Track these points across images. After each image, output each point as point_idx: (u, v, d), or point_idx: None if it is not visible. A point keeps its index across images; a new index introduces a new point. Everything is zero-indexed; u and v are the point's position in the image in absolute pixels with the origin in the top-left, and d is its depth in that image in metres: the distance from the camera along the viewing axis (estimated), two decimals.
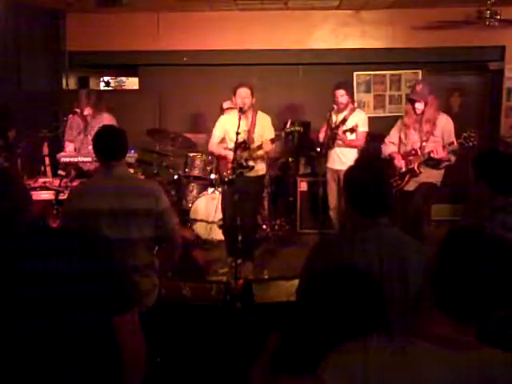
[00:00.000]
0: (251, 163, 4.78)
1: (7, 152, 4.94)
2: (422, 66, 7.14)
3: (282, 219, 6.50)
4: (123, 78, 8.23)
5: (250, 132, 4.80)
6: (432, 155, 4.61)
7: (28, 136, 5.18)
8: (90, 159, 4.64)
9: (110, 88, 8.00)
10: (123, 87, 8.13)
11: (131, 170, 4.34)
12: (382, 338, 1.26)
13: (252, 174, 4.82)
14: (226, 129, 4.91)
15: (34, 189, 4.69)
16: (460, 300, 1.20)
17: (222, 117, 5.09)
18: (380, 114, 7.15)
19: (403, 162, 4.82)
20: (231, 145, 4.83)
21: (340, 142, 5.23)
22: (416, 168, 4.74)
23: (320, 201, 5.45)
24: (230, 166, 4.69)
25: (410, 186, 4.84)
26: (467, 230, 1.28)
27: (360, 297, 1.54)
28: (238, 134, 4.58)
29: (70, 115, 5.16)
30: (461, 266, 1.19)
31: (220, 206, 5.29)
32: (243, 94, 4.70)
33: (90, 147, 3.83)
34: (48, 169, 5.15)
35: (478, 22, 5.81)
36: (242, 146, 4.72)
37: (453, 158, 4.66)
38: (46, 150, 5.37)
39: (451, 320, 1.22)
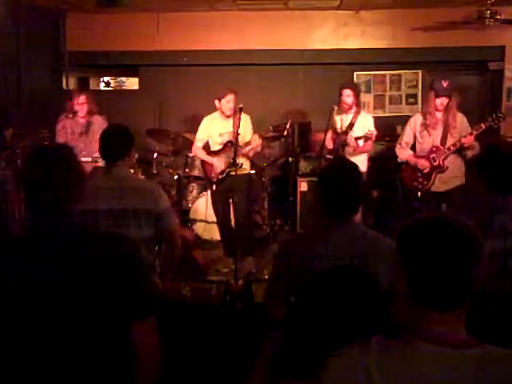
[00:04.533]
0: (240, 160, 4.86)
1: (5, 151, 4.94)
2: (422, 66, 7.14)
3: (282, 219, 6.49)
4: (123, 78, 8.25)
5: (234, 132, 4.86)
6: (464, 141, 4.54)
7: (28, 136, 5.18)
8: (89, 159, 4.66)
9: (109, 88, 8.00)
10: (123, 87, 8.14)
11: (131, 170, 4.36)
12: (383, 339, 1.26)
13: (239, 172, 4.90)
14: (210, 133, 5.02)
15: None
16: (429, 289, 1.22)
17: (204, 120, 5.13)
18: (380, 114, 7.14)
19: (426, 162, 4.72)
20: (215, 147, 4.97)
21: (351, 149, 5.03)
22: (441, 163, 4.68)
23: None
24: (217, 170, 4.95)
25: (439, 187, 4.73)
26: (419, 220, 1.31)
27: (360, 298, 1.54)
28: (238, 134, 4.68)
29: (63, 117, 5.11)
30: (420, 256, 1.22)
31: (212, 207, 5.34)
32: (231, 99, 4.81)
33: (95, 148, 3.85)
34: None
35: (478, 22, 5.80)
36: (229, 145, 4.80)
37: (477, 146, 4.60)
38: None
39: (433, 313, 1.23)
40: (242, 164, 4.91)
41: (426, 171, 4.72)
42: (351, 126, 5.05)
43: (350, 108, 5.08)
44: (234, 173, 4.77)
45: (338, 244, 2.07)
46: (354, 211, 2.17)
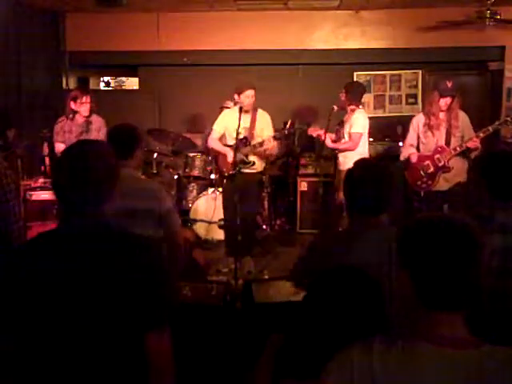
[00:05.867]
0: (252, 158, 4.83)
1: (7, 152, 4.94)
2: (422, 66, 7.15)
3: (282, 219, 6.49)
4: (123, 78, 8.22)
5: (250, 129, 4.84)
6: (470, 145, 4.57)
7: (28, 136, 5.18)
8: None
9: (110, 88, 7.99)
10: (123, 87, 8.12)
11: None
12: (386, 339, 1.26)
13: (251, 170, 4.87)
14: (227, 125, 4.96)
15: (34, 189, 4.70)
16: (431, 289, 1.23)
17: (223, 112, 5.12)
18: (380, 114, 7.15)
19: (429, 161, 4.74)
20: (230, 141, 4.92)
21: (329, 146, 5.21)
22: (447, 164, 4.70)
23: (320, 201, 5.46)
24: (230, 162, 4.79)
25: (442, 186, 4.75)
26: (420, 221, 1.31)
27: (363, 298, 1.54)
28: (238, 133, 4.65)
29: (63, 118, 5.10)
30: (421, 257, 1.23)
31: (222, 203, 5.31)
32: (250, 94, 4.76)
33: None
34: (48, 169, 5.14)
35: (478, 22, 5.81)
36: (243, 142, 4.78)
37: (479, 146, 4.64)
38: (46, 150, 5.37)
39: (435, 313, 1.23)
40: (254, 162, 4.87)
41: (430, 171, 4.74)
42: (342, 123, 5.17)
43: (343, 105, 5.16)
44: (246, 170, 4.74)
45: (364, 248, 2.01)
46: (380, 210, 2.13)
